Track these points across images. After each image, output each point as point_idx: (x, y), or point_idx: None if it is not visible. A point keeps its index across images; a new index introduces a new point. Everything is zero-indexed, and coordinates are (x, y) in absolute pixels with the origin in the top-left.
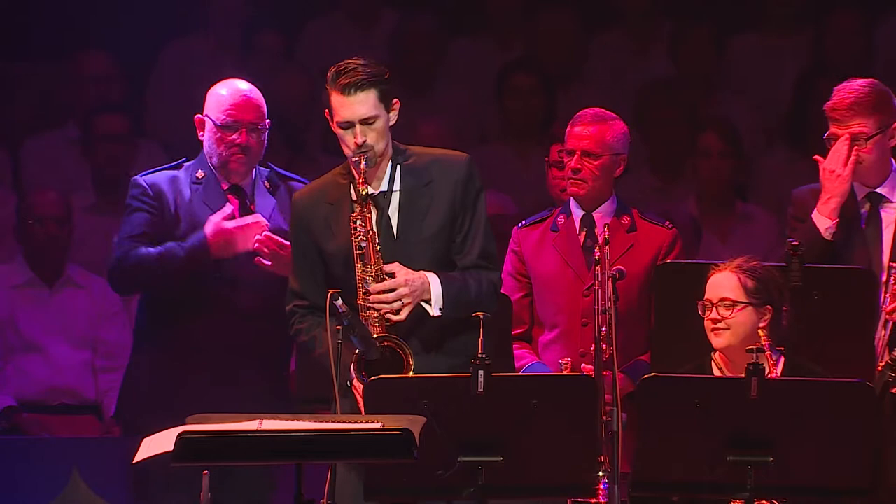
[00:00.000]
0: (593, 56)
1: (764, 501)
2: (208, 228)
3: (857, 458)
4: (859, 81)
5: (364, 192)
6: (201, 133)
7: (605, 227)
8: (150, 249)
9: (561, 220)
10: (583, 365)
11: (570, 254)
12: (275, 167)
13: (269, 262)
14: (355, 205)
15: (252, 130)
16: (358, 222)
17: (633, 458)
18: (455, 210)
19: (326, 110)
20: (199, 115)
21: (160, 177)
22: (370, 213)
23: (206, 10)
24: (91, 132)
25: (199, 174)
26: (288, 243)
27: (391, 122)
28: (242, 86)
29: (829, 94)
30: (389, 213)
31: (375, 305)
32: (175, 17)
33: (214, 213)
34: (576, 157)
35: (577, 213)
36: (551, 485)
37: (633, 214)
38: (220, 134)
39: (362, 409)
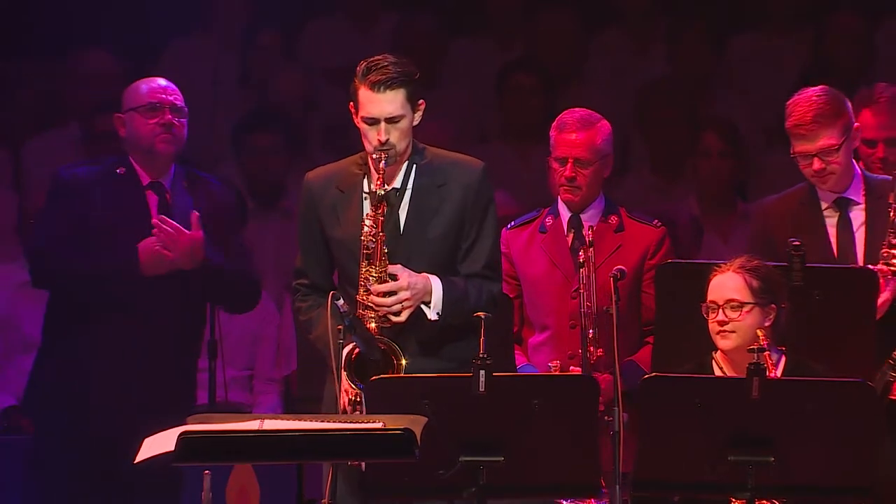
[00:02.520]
0: (593, 56)
1: (765, 501)
2: (141, 250)
3: (858, 458)
4: (812, 91)
5: (380, 193)
6: (123, 130)
7: (590, 229)
8: (79, 263)
9: (549, 221)
10: (571, 367)
11: (559, 255)
12: (196, 170)
13: (170, 253)
14: (369, 203)
15: (174, 111)
16: (369, 222)
17: (634, 458)
18: (464, 216)
19: (351, 103)
20: (119, 114)
21: (81, 171)
22: (383, 215)
23: (206, 10)
24: (93, 131)
25: (120, 170)
26: (182, 228)
27: (415, 123)
28: (159, 79)
29: None
30: (399, 210)
31: (375, 306)
32: (176, 17)
33: (132, 207)
34: (569, 165)
35: (565, 215)
36: (552, 485)
37: (621, 214)
38: (144, 118)
39: (341, 405)
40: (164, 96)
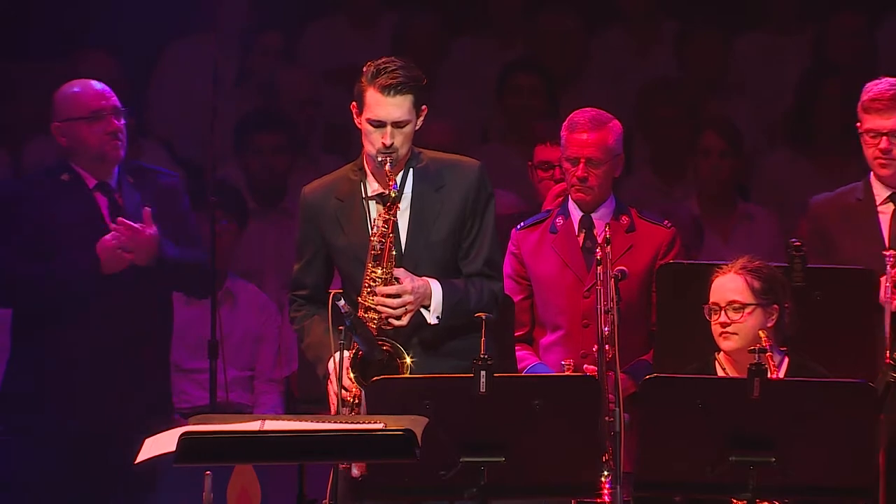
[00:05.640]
0: (594, 56)
1: (766, 502)
2: (100, 250)
3: (859, 458)
4: (892, 79)
5: (393, 195)
6: (63, 139)
7: (606, 226)
8: (38, 276)
9: (559, 221)
10: (585, 366)
11: (570, 255)
12: (141, 162)
13: (130, 254)
14: (374, 205)
15: (116, 115)
16: (379, 223)
17: (635, 458)
18: (465, 216)
19: (353, 104)
20: (57, 123)
21: (20, 186)
22: (395, 216)
23: (207, 11)
24: None
25: (64, 177)
26: (139, 226)
27: (417, 127)
28: (92, 82)
29: (830, 93)
30: (399, 215)
31: (379, 308)
32: (177, 17)
33: (83, 212)
34: (581, 166)
35: (576, 215)
36: (554, 485)
37: (632, 214)
38: (89, 127)
39: (332, 409)
40: (105, 102)
